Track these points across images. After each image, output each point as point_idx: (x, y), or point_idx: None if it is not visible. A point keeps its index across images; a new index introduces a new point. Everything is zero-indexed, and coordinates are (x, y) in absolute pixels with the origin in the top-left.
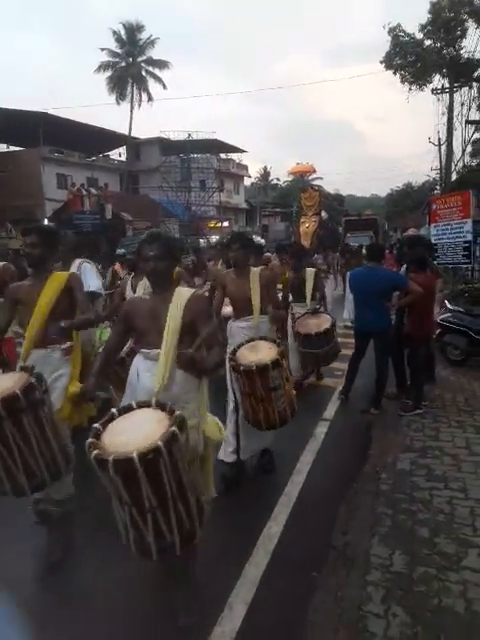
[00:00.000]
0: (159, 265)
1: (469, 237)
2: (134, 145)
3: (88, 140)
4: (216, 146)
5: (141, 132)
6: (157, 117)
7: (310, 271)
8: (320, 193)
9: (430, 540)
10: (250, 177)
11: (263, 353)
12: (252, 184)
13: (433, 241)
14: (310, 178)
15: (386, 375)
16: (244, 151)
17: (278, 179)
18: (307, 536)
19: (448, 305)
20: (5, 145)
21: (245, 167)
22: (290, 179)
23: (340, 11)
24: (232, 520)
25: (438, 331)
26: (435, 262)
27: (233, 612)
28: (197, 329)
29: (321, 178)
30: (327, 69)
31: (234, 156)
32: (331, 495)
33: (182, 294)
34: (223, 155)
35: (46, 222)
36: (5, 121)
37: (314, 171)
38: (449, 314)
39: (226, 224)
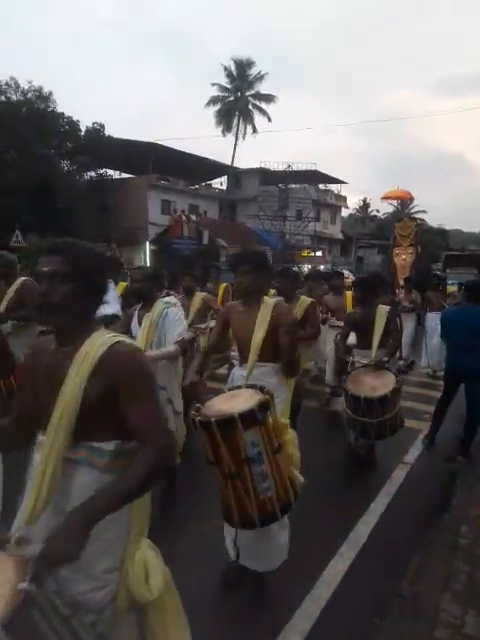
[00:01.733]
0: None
1: None
2: (235, 174)
3: (192, 169)
4: (315, 177)
5: (243, 162)
6: (260, 148)
7: (382, 309)
8: (416, 223)
9: None
10: (348, 208)
11: (238, 402)
12: (350, 215)
13: None
14: (412, 211)
15: (477, 422)
16: (344, 182)
17: (377, 211)
18: (373, 579)
19: None
20: (117, 172)
21: (344, 198)
22: (390, 211)
23: (452, 42)
24: (296, 551)
25: None
26: None
27: None
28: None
29: (424, 211)
30: (437, 100)
31: (333, 187)
32: (403, 541)
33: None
34: (322, 186)
35: (148, 245)
36: (119, 150)
37: (411, 198)
38: None
39: (319, 254)
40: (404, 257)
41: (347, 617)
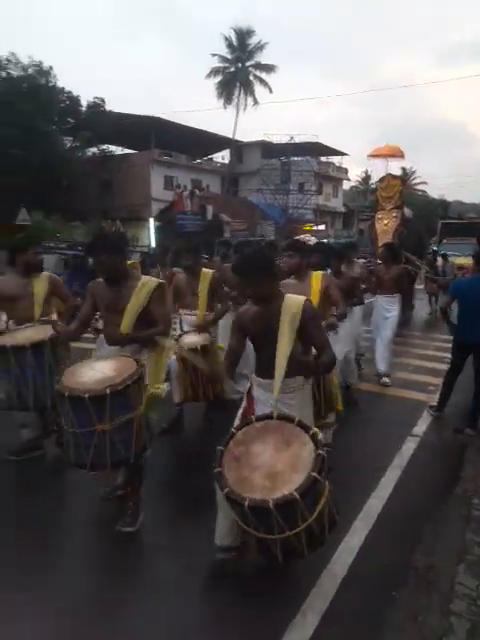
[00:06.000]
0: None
1: None
2: (237, 148)
3: (195, 143)
4: (317, 149)
5: (245, 135)
6: (261, 120)
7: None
8: (402, 181)
9: None
10: (349, 180)
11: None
12: (352, 188)
13: None
14: (414, 182)
15: None
16: (345, 154)
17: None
18: (387, 553)
19: None
20: (120, 148)
21: (345, 170)
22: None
23: (455, 10)
24: None
25: None
26: None
27: (306, 620)
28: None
29: (425, 183)
30: (437, 70)
31: (335, 159)
32: (416, 515)
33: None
34: (323, 158)
35: (152, 221)
36: (120, 125)
37: (402, 156)
38: None
39: (322, 227)
40: (386, 222)
41: (363, 592)
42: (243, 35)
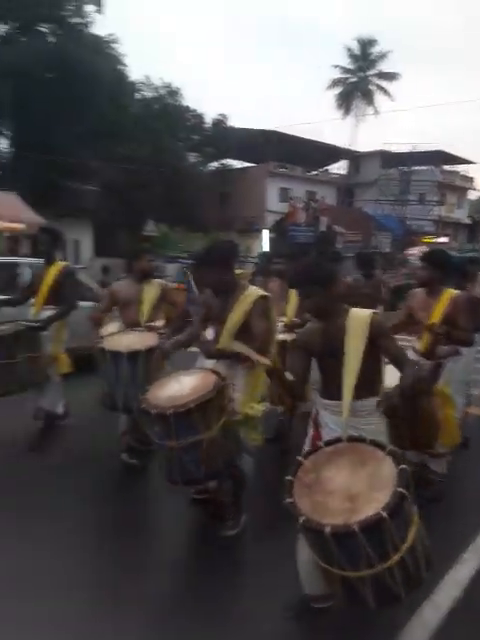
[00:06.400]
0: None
1: None
2: (354, 158)
3: (311, 155)
4: (441, 158)
5: (364, 145)
6: (381, 130)
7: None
8: None
9: None
10: (476, 190)
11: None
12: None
13: None
14: None
15: None
16: (472, 162)
17: None
18: None
19: None
20: (239, 161)
21: (471, 179)
22: None
23: None
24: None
25: None
26: None
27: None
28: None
29: None
30: None
31: (461, 168)
32: None
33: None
34: (448, 167)
35: (266, 232)
36: (239, 139)
37: None
38: None
39: (444, 239)
40: None
41: (470, 628)
42: (365, 44)
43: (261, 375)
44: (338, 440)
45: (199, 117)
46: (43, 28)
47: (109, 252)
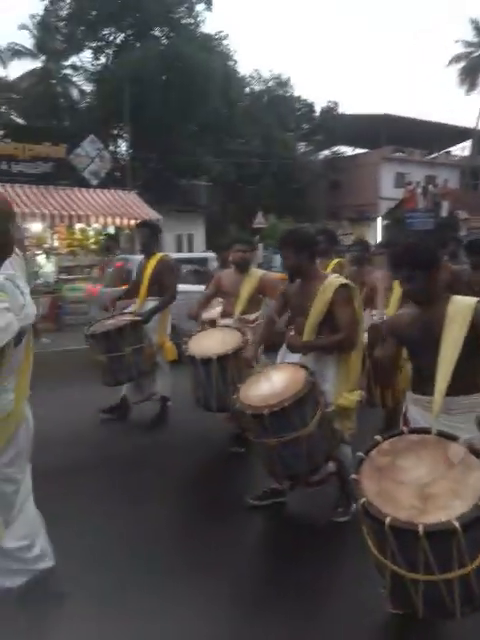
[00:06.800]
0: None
1: None
2: (479, 138)
3: (429, 137)
4: None
5: None
6: None
7: None
8: None
9: None
10: None
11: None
12: None
13: None
14: None
15: None
16: None
17: None
18: None
19: None
20: (351, 148)
21: None
22: None
23: None
24: None
25: None
26: None
27: None
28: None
29: None
30: None
31: None
32: None
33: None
34: None
35: (380, 220)
36: (352, 126)
37: None
38: None
39: None
40: None
41: None
42: None
43: (353, 364)
44: (426, 431)
45: (309, 106)
46: (156, 32)
47: (220, 245)
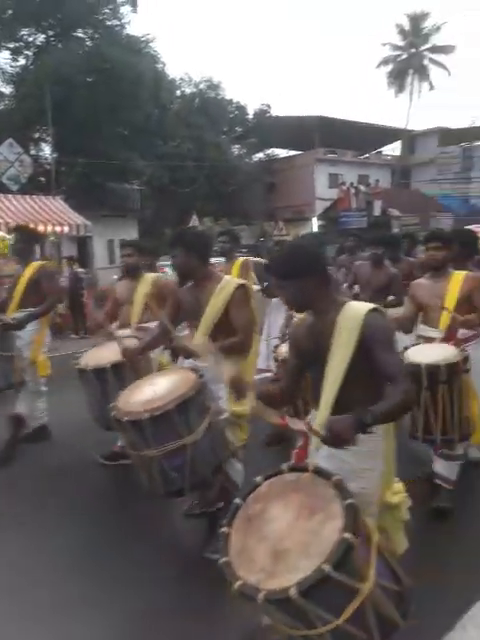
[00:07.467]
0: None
1: None
2: (409, 138)
3: (362, 138)
4: None
5: (419, 124)
6: (438, 106)
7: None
8: None
9: None
10: None
11: None
12: None
13: None
14: None
15: None
16: None
17: None
18: None
19: None
20: (285, 150)
21: None
22: None
23: None
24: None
25: None
26: None
27: (466, 634)
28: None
29: None
30: None
31: None
32: None
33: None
34: None
35: (315, 220)
36: (285, 128)
37: None
38: None
39: None
40: None
41: None
42: (417, 19)
43: (248, 369)
44: (304, 468)
45: (241, 109)
46: (80, 33)
47: (154, 250)
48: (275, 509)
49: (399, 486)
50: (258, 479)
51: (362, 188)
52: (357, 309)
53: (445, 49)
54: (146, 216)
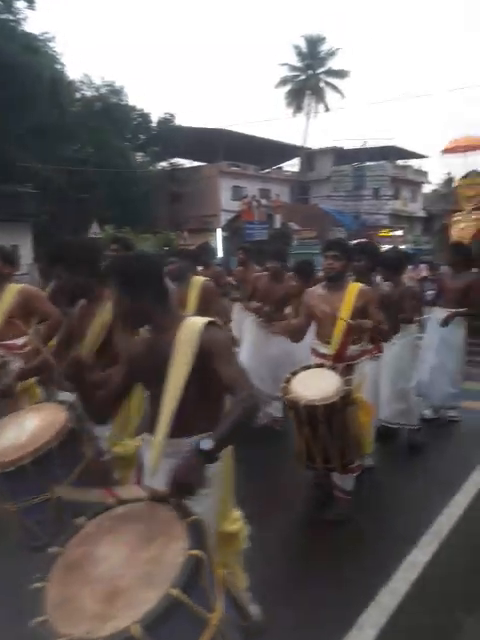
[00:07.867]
0: None
1: None
2: (307, 155)
3: (264, 153)
4: (393, 153)
5: (316, 142)
6: (334, 126)
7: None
8: None
9: None
10: (430, 183)
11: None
12: (434, 191)
13: None
14: None
15: None
16: (423, 156)
17: None
18: (458, 571)
19: None
20: (189, 161)
21: (425, 173)
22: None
23: None
24: (374, 541)
25: None
26: None
27: (362, 634)
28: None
29: None
30: None
31: (414, 162)
32: None
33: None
34: (401, 162)
35: (220, 231)
36: (189, 139)
37: None
38: None
39: (400, 233)
40: (463, 225)
41: (428, 610)
42: (314, 43)
43: (134, 402)
44: (138, 498)
45: (145, 116)
46: None
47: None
48: (104, 548)
49: (237, 514)
50: (79, 520)
51: (263, 201)
52: (193, 324)
53: (340, 74)
54: (41, 221)
